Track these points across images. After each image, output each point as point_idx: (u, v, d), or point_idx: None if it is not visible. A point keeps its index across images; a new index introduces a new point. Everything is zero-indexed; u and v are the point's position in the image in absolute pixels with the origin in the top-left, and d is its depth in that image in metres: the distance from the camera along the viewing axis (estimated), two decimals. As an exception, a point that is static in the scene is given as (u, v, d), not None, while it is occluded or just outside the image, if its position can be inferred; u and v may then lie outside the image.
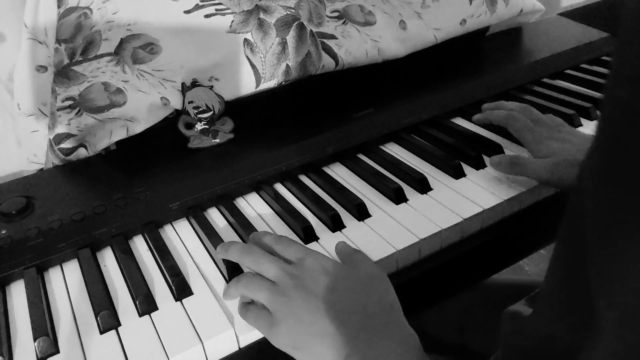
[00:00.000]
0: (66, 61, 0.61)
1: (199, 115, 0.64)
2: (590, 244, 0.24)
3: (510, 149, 0.62)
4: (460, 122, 0.70)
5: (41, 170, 0.65)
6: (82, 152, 0.63)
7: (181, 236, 0.54)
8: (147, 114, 0.62)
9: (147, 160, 0.62)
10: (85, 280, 0.49)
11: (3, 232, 0.52)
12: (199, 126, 0.64)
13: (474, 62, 0.82)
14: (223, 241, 0.51)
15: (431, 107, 0.69)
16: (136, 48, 0.62)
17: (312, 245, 0.51)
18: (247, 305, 0.43)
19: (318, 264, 0.43)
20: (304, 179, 0.61)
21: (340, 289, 0.41)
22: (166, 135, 0.64)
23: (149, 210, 0.55)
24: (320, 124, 0.66)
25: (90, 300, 0.47)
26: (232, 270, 0.48)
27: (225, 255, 0.47)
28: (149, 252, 0.52)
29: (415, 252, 0.50)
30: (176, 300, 0.46)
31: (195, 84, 0.64)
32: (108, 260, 0.52)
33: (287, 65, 0.67)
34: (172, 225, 0.56)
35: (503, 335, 0.39)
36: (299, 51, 0.67)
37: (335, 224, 0.52)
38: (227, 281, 0.48)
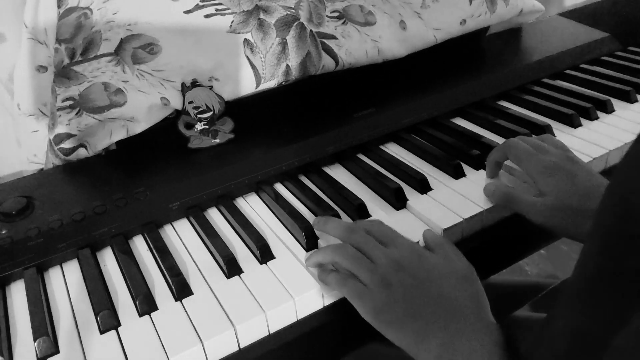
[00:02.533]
0: (66, 61, 0.61)
1: (199, 115, 0.64)
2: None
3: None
4: (460, 122, 0.70)
5: (41, 170, 0.65)
6: (82, 152, 0.63)
7: (181, 236, 0.54)
8: (147, 114, 0.62)
9: (147, 160, 0.62)
10: (85, 280, 0.49)
11: (3, 232, 0.52)
12: (199, 126, 0.64)
13: (474, 62, 0.82)
14: (223, 241, 0.51)
15: (431, 107, 0.69)
16: (136, 48, 0.62)
17: (312, 246, 0.51)
18: (334, 271, 0.45)
19: (415, 250, 0.45)
20: (304, 179, 0.61)
21: (436, 281, 0.43)
22: (166, 135, 0.64)
23: (149, 210, 0.55)
24: (320, 124, 0.66)
25: (90, 300, 0.47)
26: (231, 268, 0.48)
27: (324, 229, 0.50)
28: (149, 252, 0.52)
29: (415, 252, 0.50)
30: (176, 300, 0.46)
31: (195, 84, 0.64)
32: (108, 260, 0.52)
33: (287, 65, 0.67)
34: (172, 225, 0.56)
35: (509, 339, 0.39)
36: (299, 51, 0.67)
37: (335, 224, 0.52)
38: (227, 277, 0.48)
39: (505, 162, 0.58)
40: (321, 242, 0.51)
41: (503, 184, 0.54)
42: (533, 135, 0.61)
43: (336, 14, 0.72)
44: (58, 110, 0.61)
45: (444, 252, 0.46)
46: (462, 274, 0.44)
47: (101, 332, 0.44)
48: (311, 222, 0.52)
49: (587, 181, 0.49)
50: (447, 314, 0.41)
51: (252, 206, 0.58)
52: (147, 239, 0.53)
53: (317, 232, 0.51)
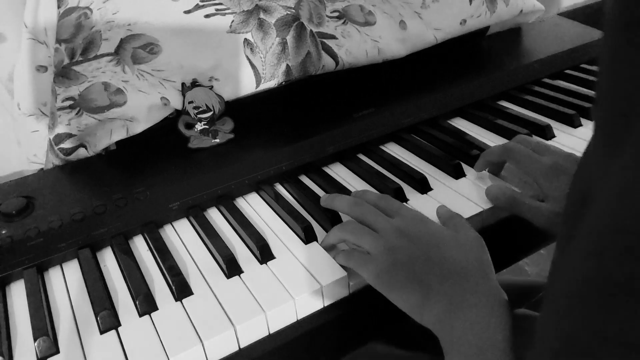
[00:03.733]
0: (66, 61, 0.61)
1: (199, 115, 0.64)
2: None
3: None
4: (460, 122, 0.70)
5: (41, 170, 0.65)
6: (82, 152, 0.63)
7: (181, 236, 0.54)
8: (147, 114, 0.62)
9: (147, 160, 0.62)
10: (85, 280, 0.49)
11: (3, 232, 0.52)
12: (199, 126, 0.64)
13: (474, 62, 0.82)
14: (223, 241, 0.51)
15: (431, 107, 0.69)
16: (136, 48, 0.62)
17: (313, 246, 0.51)
18: (350, 251, 0.47)
19: (419, 216, 0.47)
20: (304, 179, 0.61)
21: (440, 245, 0.44)
22: (166, 135, 0.64)
23: (149, 210, 0.55)
24: (320, 124, 0.66)
25: (90, 300, 0.47)
26: (231, 268, 0.48)
27: (332, 205, 0.51)
28: (149, 252, 0.52)
29: (416, 252, 0.50)
30: (176, 300, 0.46)
31: (195, 84, 0.64)
32: (108, 260, 0.52)
33: (287, 65, 0.67)
34: (172, 225, 0.56)
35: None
36: (299, 51, 0.67)
37: (335, 224, 0.52)
38: (227, 277, 0.48)
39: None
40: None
41: (507, 187, 0.53)
42: (534, 136, 0.60)
43: (336, 14, 0.72)
44: (58, 110, 0.61)
45: (453, 223, 0.47)
46: (468, 241, 0.45)
47: (101, 332, 0.44)
48: (310, 223, 0.52)
49: None
50: (451, 277, 0.41)
51: (252, 206, 0.58)
52: (147, 239, 0.53)
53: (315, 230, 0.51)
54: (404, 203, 0.55)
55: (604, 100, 0.25)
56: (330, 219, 0.52)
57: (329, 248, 0.50)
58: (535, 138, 0.55)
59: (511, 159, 0.54)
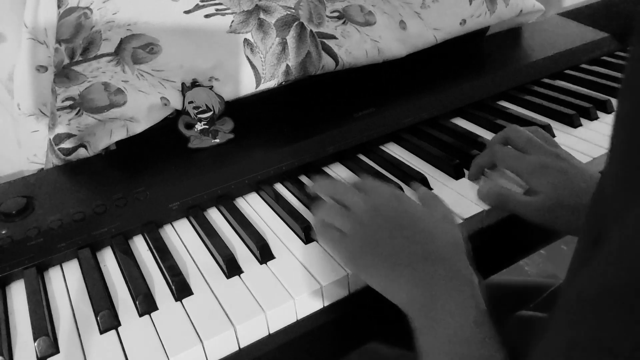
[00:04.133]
0: (66, 61, 0.61)
1: (199, 115, 0.64)
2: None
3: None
4: (460, 122, 0.70)
5: (41, 170, 0.65)
6: (82, 152, 0.63)
7: (181, 236, 0.54)
8: (147, 114, 0.62)
9: (147, 160, 0.62)
10: (85, 280, 0.49)
11: (3, 232, 0.52)
12: (199, 126, 0.64)
13: (474, 62, 0.82)
14: (223, 241, 0.51)
15: (431, 107, 0.69)
16: (136, 48, 0.62)
17: (313, 246, 0.51)
18: (324, 227, 0.47)
19: (390, 190, 0.46)
20: (304, 179, 0.61)
21: (416, 223, 0.43)
22: (166, 135, 0.64)
23: (149, 210, 0.55)
24: (320, 124, 0.66)
25: (90, 300, 0.47)
26: (231, 267, 0.47)
27: (318, 189, 0.52)
28: (149, 252, 0.52)
29: (415, 252, 0.50)
30: (176, 300, 0.46)
31: (195, 84, 0.64)
32: (108, 260, 0.52)
33: (287, 65, 0.67)
34: (172, 225, 0.56)
35: (509, 338, 0.39)
36: (299, 51, 0.67)
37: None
38: (227, 277, 0.48)
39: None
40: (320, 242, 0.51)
41: (497, 186, 0.53)
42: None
43: (336, 14, 0.72)
44: (58, 110, 0.61)
45: (430, 202, 0.47)
46: (444, 221, 0.45)
47: (101, 332, 0.44)
48: (311, 222, 0.52)
49: (580, 177, 0.49)
50: (423, 255, 0.41)
51: (252, 206, 0.58)
52: (147, 239, 0.53)
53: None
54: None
55: (629, 131, 0.24)
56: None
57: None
58: (526, 132, 0.54)
59: (499, 162, 0.54)
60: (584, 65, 0.80)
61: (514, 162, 0.52)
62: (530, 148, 0.52)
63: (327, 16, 0.71)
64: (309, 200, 0.56)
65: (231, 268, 0.48)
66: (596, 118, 0.68)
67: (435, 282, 0.39)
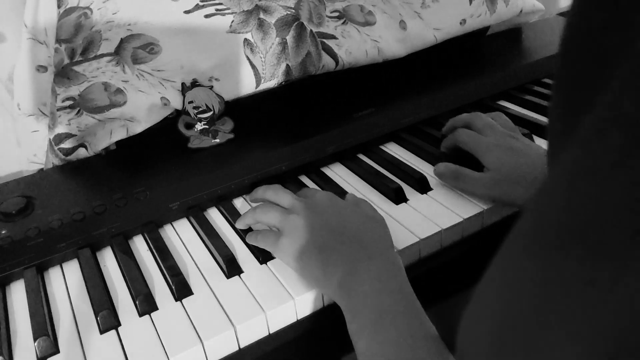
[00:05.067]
0: (66, 61, 0.61)
1: (199, 115, 0.64)
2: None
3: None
4: (460, 122, 0.70)
5: (41, 170, 0.65)
6: (82, 152, 0.63)
7: (181, 236, 0.54)
8: (147, 114, 0.62)
9: (147, 160, 0.62)
10: (85, 280, 0.49)
11: (3, 232, 0.52)
12: (199, 126, 0.64)
13: (474, 62, 0.82)
14: (223, 241, 0.51)
15: (431, 107, 0.69)
16: (136, 48, 0.62)
17: (312, 245, 0.51)
18: (258, 231, 0.50)
19: (326, 195, 0.50)
20: (304, 179, 0.61)
21: (343, 218, 0.47)
22: (166, 135, 0.64)
23: (149, 210, 0.55)
24: (320, 124, 0.66)
25: (90, 300, 0.47)
26: (231, 267, 0.48)
27: (254, 194, 0.55)
28: (149, 252, 0.52)
29: (416, 252, 0.50)
30: (176, 300, 0.46)
31: (195, 84, 0.64)
32: (108, 260, 0.52)
33: (287, 65, 0.67)
34: (172, 225, 0.56)
35: None
36: (299, 51, 0.67)
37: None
38: (227, 277, 0.48)
39: None
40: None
41: (451, 164, 0.56)
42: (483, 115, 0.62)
43: (336, 14, 0.72)
44: (58, 110, 0.61)
45: (360, 204, 0.50)
46: (371, 217, 0.48)
47: (101, 332, 0.44)
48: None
49: (525, 152, 0.54)
50: (350, 244, 0.44)
51: (253, 206, 0.58)
52: (147, 239, 0.53)
53: None
54: (404, 203, 0.55)
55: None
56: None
57: (245, 227, 0.52)
58: (485, 118, 0.59)
59: (459, 142, 0.59)
60: (584, 65, 0.80)
61: (470, 141, 0.57)
62: (488, 130, 0.57)
63: (327, 16, 0.71)
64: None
65: (231, 268, 0.48)
66: (596, 118, 0.68)
67: (360, 268, 0.42)
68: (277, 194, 0.52)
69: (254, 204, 0.56)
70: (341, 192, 0.56)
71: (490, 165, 0.54)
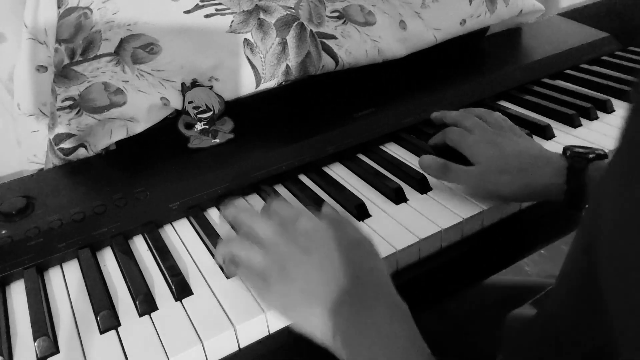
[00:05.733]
0: (66, 61, 0.61)
1: (199, 115, 0.64)
2: (610, 248, 0.24)
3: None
4: (460, 122, 0.70)
5: (41, 170, 0.65)
6: (82, 152, 0.63)
7: (181, 236, 0.54)
8: (147, 114, 0.62)
9: (147, 160, 0.62)
10: (85, 280, 0.49)
11: (3, 232, 0.52)
12: (199, 126, 0.64)
13: (474, 62, 0.82)
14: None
15: (431, 107, 0.69)
16: (136, 48, 0.62)
17: (312, 245, 0.51)
18: (237, 264, 0.45)
19: (310, 226, 0.44)
20: (304, 179, 0.61)
21: (333, 253, 0.42)
22: (166, 135, 0.64)
23: (149, 210, 0.55)
24: (320, 124, 0.66)
25: (90, 300, 0.47)
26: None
27: (225, 214, 0.51)
28: (149, 252, 0.52)
29: (416, 252, 0.50)
30: (176, 300, 0.46)
31: (195, 84, 0.64)
32: (108, 260, 0.52)
33: (287, 65, 0.67)
34: (172, 225, 0.56)
35: (508, 338, 0.39)
36: (299, 51, 0.67)
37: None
38: (227, 277, 0.48)
39: None
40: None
41: (438, 158, 0.56)
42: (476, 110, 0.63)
43: (336, 14, 0.72)
44: (58, 110, 0.61)
45: (343, 226, 0.45)
46: (359, 243, 0.43)
47: (101, 332, 0.44)
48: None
49: (508, 144, 0.55)
50: (351, 294, 0.39)
51: (253, 206, 0.58)
52: (147, 239, 0.53)
53: None
54: (404, 203, 0.55)
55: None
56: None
57: (223, 259, 0.47)
58: (472, 116, 0.60)
59: (447, 139, 0.59)
60: (584, 65, 0.80)
61: (458, 138, 0.58)
62: (475, 128, 0.58)
63: (327, 16, 0.71)
64: (309, 200, 0.56)
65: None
66: (596, 118, 0.68)
67: (360, 312, 0.39)
68: (253, 220, 0.46)
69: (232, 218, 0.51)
70: (342, 190, 0.56)
71: (476, 159, 0.55)
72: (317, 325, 0.40)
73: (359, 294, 0.39)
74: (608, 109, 0.69)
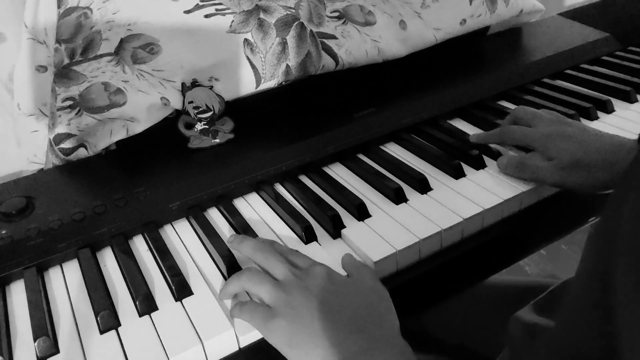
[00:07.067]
0: (66, 61, 0.61)
1: (199, 115, 0.64)
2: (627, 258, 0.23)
3: (512, 150, 0.61)
4: (460, 122, 0.70)
5: (41, 170, 0.65)
6: (82, 152, 0.63)
7: (181, 236, 0.54)
8: (147, 114, 0.62)
9: (147, 160, 0.62)
10: (85, 280, 0.49)
11: (3, 232, 0.52)
12: (199, 126, 0.64)
13: (474, 62, 0.82)
14: (223, 241, 0.51)
15: (431, 107, 0.69)
16: (136, 48, 0.62)
17: (312, 245, 0.51)
18: (243, 302, 0.43)
19: (324, 271, 0.43)
20: (304, 179, 0.61)
21: (343, 298, 0.42)
22: (166, 135, 0.64)
23: (149, 210, 0.55)
24: (320, 124, 0.66)
25: (90, 300, 0.47)
26: (231, 268, 0.48)
27: (238, 248, 0.48)
28: (149, 252, 0.52)
29: (416, 252, 0.50)
30: (176, 300, 0.46)
31: (195, 84, 0.64)
32: (108, 260, 0.52)
33: (287, 65, 0.67)
34: (172, 225, 0.56)
35: (512, 340, 0.39)
36: (299, 51, 0.67)
37: (335, 224, 0.52)
38: (227, 277, 0.48)
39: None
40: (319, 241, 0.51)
41: (515, 155, 0.55)
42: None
43: (336, 14, 0.72)
44: (58, 110, 0.61)
45: (359, 274, 0.45)
46: (373, 291, 0.43)
47: (101, 332, 0.44)
48: (311, 223, 0.52)
49: (585, 136, 0.53)
50: (357, 339, 0.39)
51: (252, 206, 0.58)
52: (147, 239, 0.53)
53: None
54: (405, 203, 0.55)
55: None
56: (331, 218, 0.52)
57: (229, 297, 0.46)
58: (531, 109, 0.59)
59: (509, 140, 0.58)
60: (584, 65, 0.80)
61: (524, 136, 0.56)
62: (538, 121, 0.57)
63: (327, 16, 0.71)
64: (310, 200, 0.56)
65: (231, 268, 0.48)
66: (596, 118, 0.68)
67: (364, 354, 0.39)
68: (269, 260, 0.45)
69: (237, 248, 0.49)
70: (342, 190, 0.56)
71: (553, 153, 0.53)
72: None
73: (364, 345, 0.39)
74: (608, 109, 0.69)
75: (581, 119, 0.67)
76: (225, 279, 0.48)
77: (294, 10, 0.68)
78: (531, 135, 0.56)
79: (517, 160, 0.55)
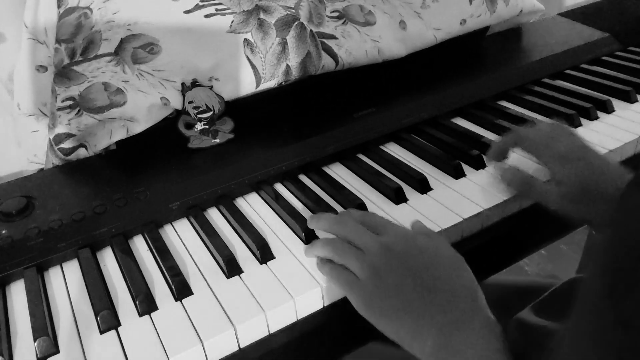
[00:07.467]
0: (66, 61, 0.61)
1: (199, 115, 0.64)
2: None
3: (514, 151, 0.61)
4: (460, 122, 0.70)
5: (41, 170, 0.65)
6: (82, 152, 0.63)
7: (181, 236, 0.54)
8: (147, 114, 0.62)
9: (147, 160, 0.62)
10: (85, 280, 0.49)
11: (3, 232, 0.52)
12: (199, 126, 0.64)
13: (474, 62, 0.82)
14: (223, 241, 0.51)
15: (431, 107, 0.69)
16: (136, 48, 0.62)
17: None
18: (329, 263, 0.45)
19: (403, 232, 0.45)
20: (304, 178, 0.61)
21: (429, 267, 0.42)
22: (166, 135, 0.64)
23: (149, 210, 0.55)
24: (320, 124, 0.66)
25: (90, 300, 0.47)
26: (231, 268, 0.47)
27: (317, 226, 0.50)
28: (149, 252, 0.52)
29: (415, 252, 0.50)
30: (176, 300, 0.46)
31: (195, 84, 0.64)
32: (108, 260, 0.52)
33: (287, 65, 0.67)
34: (172, 225, 0.56)
35: (512, 342, 0.39)
36: (299, 51, 0.67)
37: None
38: (227, 277, 0.48)
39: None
40: (321, 242, 0.51)
41: (520, 171, 0.53)
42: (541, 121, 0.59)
43: (336, 14, 0.72)
44: (58, 110, 0.61)
45: (434, 239, 0.45)
46: (453, 261, 0.43)
47: (101, 332, 0.44)
48: (302, 226, 0.51)
49: (602, 167, 0.49)
50: (441, 305, 0.40)
51: (252, 206, 0.58)
52: (147, 239, 0.53)
53: (315, 231, 0.51)
54: (404, 203, 0.55)
55: None
56: (330, 219, 0.52)
57: (312, 256, 0.48)
58: (551, 124, 0.55)
59: (524, 145, 0.54)
60: (584, 65, 0.80)
61: (539, 147, 0.52)
62: (555, 138, 0.52)
63: (327, 16, 0.71)
64: (310, 200, 0.56)
65: (231, 268, 0.48)
66: (596, 118, 0.68)
67: (457, 334, 0.39)
68: (348, 229, 0.46)
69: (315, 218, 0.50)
70: (342, 189, 0.56)
71: (562, 177, 0.49)
72: (405, 337, 0.40)
73: (453, 316, 0.39)
74: (608, 109, 0.69)
75: (581, 119, 0.67)
76: (225, 275, 0.48)
77: (294, 10, 0.68)
78: (548, 148, 0.51)
79: (523, 177, 0.52)
